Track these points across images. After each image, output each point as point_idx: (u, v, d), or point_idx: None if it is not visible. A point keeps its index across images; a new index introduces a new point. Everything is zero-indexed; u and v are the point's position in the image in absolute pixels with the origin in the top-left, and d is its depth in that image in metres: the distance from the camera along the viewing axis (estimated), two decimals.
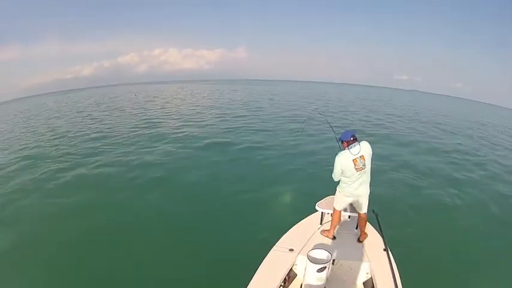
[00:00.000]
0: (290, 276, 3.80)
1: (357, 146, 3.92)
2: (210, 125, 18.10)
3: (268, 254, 3.85)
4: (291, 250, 3.96)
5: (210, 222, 6.62)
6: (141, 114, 24.08)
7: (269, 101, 33.87)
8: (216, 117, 20.76)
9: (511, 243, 6.17)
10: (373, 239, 4.27)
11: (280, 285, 3.48)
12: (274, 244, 4.08)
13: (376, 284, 3.45)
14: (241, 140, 13.82)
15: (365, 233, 4.34)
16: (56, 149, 13.40)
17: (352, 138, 3.97)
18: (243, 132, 15.66)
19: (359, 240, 4.28)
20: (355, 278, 3.89)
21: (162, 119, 21.07)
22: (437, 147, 14.14)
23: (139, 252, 5.53)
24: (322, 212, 4.69)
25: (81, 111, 28.80)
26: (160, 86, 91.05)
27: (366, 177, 4.08)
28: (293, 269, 3.89)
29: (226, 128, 16.59)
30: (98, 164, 10.98)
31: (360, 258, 3.92)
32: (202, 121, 19.42)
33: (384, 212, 4.89)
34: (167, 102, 34.16)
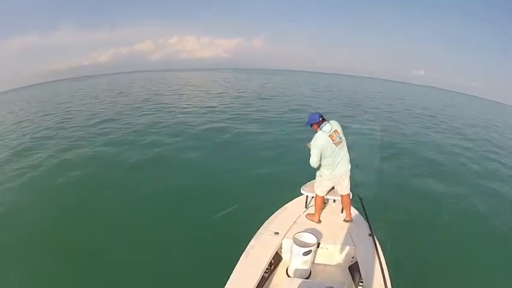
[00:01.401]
0: (276, 260, 3.80)
1: (328, 124, 3.93)
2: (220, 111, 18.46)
3: (253, 238, 3.84)
4: (276, 233, 3.94)
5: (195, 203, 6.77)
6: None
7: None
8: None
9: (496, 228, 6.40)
10: (359, 224, 4.27)
11: (266, 269, 3.48)
12: (259, 227, 4.06)
13: (361, 269, 3.42)
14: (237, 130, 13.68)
15: (350, 214, 4.35)
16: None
17: (321, 119, 3.99)
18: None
19: (345, 220, 4.32)
20: (341, 262, 3.91)
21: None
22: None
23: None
24: (307, 196, 4.65)
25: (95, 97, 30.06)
26: (179, 73, 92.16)
27: (344, 152, 4.07)
28: (278, 252, 3.89)
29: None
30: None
31: (345, 242, 3.90)
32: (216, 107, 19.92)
33: (370, 197, 4.99)
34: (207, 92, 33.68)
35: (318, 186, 4.29)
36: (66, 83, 76.13)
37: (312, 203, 4.69)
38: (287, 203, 4.78)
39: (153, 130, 13.70)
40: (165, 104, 22.30)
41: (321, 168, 4.16)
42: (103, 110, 20.59)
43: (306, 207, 4.68)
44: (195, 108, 19.58)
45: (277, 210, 4.55)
